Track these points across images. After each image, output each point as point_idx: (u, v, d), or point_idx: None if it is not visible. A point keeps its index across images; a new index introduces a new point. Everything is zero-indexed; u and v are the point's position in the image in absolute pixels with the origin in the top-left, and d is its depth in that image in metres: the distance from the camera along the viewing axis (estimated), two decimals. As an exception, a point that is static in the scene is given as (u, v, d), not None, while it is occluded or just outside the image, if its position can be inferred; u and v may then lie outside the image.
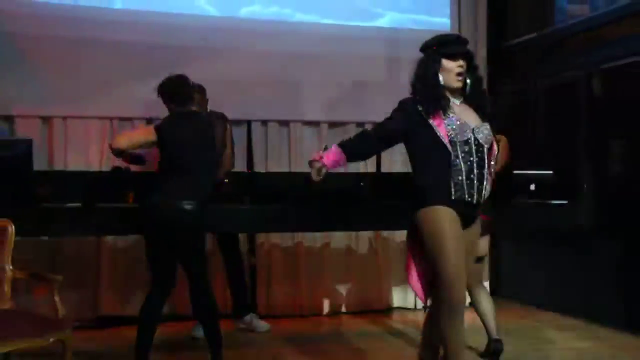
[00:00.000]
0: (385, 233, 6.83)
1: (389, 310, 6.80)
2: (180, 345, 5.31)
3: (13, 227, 4.33)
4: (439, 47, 3.67)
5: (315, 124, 6.73)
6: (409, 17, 6.90)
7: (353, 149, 3.75)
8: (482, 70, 6.67)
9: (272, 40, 6.49)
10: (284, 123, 6.65)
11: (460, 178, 3.54)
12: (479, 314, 4.86)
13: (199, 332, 5.45)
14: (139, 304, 5.51)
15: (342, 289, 6.78)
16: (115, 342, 5.35)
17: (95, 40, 6.07)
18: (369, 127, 6.70)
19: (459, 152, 3.55)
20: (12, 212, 4.44)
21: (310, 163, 3.75)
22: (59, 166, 6.01)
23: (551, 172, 5.74)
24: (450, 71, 3.61)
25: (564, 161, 6.16)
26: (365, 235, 6.84)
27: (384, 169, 6.69)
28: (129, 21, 6.19)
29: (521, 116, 6.74)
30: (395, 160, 6.53)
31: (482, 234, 4.47)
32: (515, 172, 5.33)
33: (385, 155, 6.50)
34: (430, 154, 3.60)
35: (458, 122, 3.57)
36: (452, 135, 3.54)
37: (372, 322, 6.30)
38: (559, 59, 6.59)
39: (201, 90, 5.38)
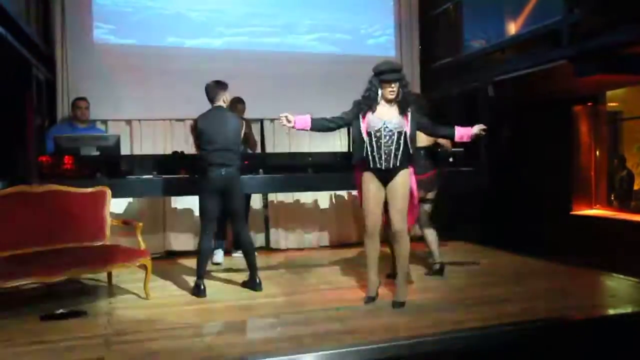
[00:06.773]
0: (355, 192, 6.83)
1: (357, 244, 6.71)
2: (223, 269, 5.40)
3: (110, 191, 4.53)
4: (378, 75, 3.82)
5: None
6: (370, 52, 6.89)
7: (318, 125, 3.96)
8: (417, 82, 6.96)
9: (278, 66, 6.59)
10: (285, 120, 6.71)
11: (373, 154, 3.79)
12: (427, 243, 4.87)
13: (218, 259, 5.54)
14: (192, 243, 5.71)
15: (324, 230, 6.80)
16: (176, 266, 5.45)
17: (159, 69, 6.18)
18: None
19: (373, 138, 3.79)
20: (109, 182, 4.65)
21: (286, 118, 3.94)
22: (137, 152, 6.11)
23: (462, 149, 5.75)
24: (385, 90, 3.80)
25: (469, 141, 6.08)
26: (342, 194, 6.89)
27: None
28: (181, 54, 6.27)
29: (443, 112, 6.60)
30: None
31: (431, 188, 4.77)
32: (439, 149, 5.24)
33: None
34: (358, 138, 3.86)
35: (373, 118, 3.79)
36: (369, 127, 3.79)
37: (343, 251, 6.28)
38: (465, 75, 6.66)
39: (241, 101, 5.54)
